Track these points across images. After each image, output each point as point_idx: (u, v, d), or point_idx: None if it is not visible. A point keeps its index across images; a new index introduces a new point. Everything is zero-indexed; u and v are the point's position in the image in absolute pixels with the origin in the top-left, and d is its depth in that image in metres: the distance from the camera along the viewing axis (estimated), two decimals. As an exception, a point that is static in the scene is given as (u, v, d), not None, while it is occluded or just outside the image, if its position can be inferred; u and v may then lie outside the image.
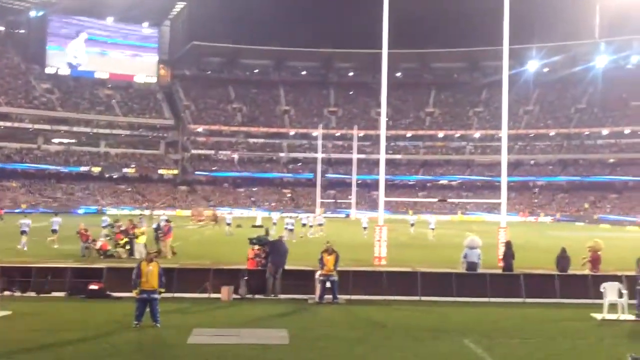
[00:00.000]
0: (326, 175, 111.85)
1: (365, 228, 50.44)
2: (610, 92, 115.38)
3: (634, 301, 18.03)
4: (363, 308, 18.95)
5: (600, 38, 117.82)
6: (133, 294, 16.02)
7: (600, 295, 18.38)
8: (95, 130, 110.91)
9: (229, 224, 51.60)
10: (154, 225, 34.99)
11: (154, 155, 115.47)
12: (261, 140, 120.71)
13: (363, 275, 22.36)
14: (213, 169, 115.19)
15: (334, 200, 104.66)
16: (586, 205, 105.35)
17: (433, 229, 50.89)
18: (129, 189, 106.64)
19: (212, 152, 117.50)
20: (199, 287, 20.46)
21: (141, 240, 29.88)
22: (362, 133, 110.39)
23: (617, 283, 18.58)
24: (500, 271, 23.97)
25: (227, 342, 14.22)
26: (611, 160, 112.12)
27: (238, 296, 20.15)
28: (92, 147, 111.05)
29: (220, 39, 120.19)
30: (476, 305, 19.63)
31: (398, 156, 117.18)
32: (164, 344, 14.27)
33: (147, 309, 15.71)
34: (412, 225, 56.73)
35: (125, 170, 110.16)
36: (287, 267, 21.30)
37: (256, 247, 22.99)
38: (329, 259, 19.75)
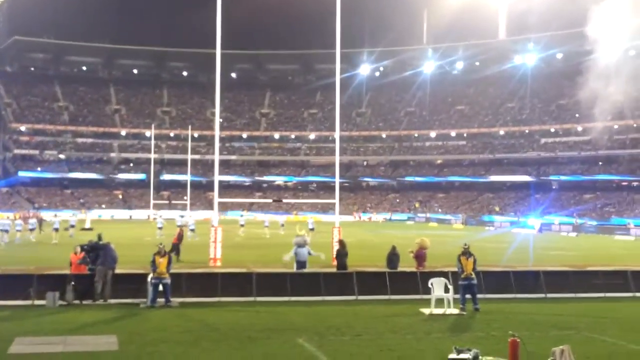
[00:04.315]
0: (160, 176, 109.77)
1: (192, 230, 49.86)
2: (437, 96, 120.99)
3: (459, 295, 18.81)
4: (197, 310, 18.59)
5: (427, 44, 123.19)
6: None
7: (428, 291, 19.03)
8: None
9: (72, 226, 49.31)
10: None
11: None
12: (90, 140, 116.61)
13: (197, 277, 22.05)
14: (38, 169, 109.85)
15: (167, 202, 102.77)
16: (416, 205, 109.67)
17: (243, 225, 55.64)
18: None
19: (37, 152, 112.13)
20: (22, 293, 19.27)
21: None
22: (196, 133, 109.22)
23: (443, 279, 19.32)
24: (334, 270, 24.31)
25: (51, 351, 13.49)
26: (439, 162, 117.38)
27: (64, 302, 19.20)
28: None
29: (45, 34, 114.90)
30: (310, 304, 19.77)
31: (233, 157, 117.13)
32: (-20, 355, 13.27)
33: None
34: (242, 225, 57.72)
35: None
36: (117, 270, 20.55)
37: (80, 251, 21.88)
38: (162, 262, 19.23)
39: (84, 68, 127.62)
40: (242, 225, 58.75)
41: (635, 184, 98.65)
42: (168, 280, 19.32)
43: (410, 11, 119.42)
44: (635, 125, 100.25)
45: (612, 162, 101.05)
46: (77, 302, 19.40)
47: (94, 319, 17.22)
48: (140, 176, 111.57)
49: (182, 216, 62.95)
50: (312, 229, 51.56)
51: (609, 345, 14.51)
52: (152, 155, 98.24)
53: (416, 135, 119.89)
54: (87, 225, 58.24)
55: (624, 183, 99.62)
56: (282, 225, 60.85)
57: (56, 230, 45.46)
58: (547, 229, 74.53)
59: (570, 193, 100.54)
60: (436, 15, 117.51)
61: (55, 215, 53.12)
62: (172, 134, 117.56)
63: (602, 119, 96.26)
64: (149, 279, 19.49)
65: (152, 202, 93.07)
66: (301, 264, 23.23)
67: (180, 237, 33.13)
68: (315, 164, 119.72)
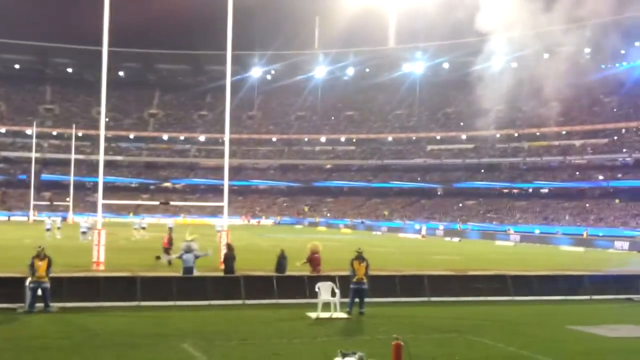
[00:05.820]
0: (41, 176, 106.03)
1: (84, 232, 48.45)
2: (328, 101, 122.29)
3: (345, 299, 18.93)
4: (78, 316, 17.96)
5: (319, 49, 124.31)
6: None
7: (315, 295, 19.08)
8: None
9: None
10: None
11: None
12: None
13: (79, 281, 21.31)
14: None
15: (49, 203, 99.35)
16: (305, 209, 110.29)
17: (144, 228, 55.99)
18: None
19: None
20: None
21: None
22: (81, 133, 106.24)
23: (330, 283, 19.39)
24: (221, 274, 24.08)
25: None
26: (328, 166, 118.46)
27: None
28: None
29: None
30: (196, 309, 19.48)
31: (119, 157, 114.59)
32: None
33: None
34: (144, 228, 57.16)
35: None
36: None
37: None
38: (41, 265, 18.49)
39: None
40: (143, 228, 58.01)
41: (515, 191, 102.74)
42: (47, 285, 18.57)
43: (302, 16, 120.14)
44: (516, 134, 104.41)
45: (494, 170, 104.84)
46: (-52, 307, 18.44)
47: (-34, 325, 16.37)
48: (21, 176, 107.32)
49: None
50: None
51: (489, 347, 14.93)
52: (33, 155, 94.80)
53: (306, 139, 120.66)
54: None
55: (505, 190, 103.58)
56: (170, 228, 59.71)
57: None
58: (432, 234, 76.43)
59: (454, 199, 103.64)
60: (328, 21, 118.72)
61: None
62: (55, 133, 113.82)
63: (485, 128, 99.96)
64: (27, 283, 18.69)
65: (32, 202, 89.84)
66: (187, 270, 22.86)
67: (170, 240, 32.30)
68: (204, 166, 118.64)
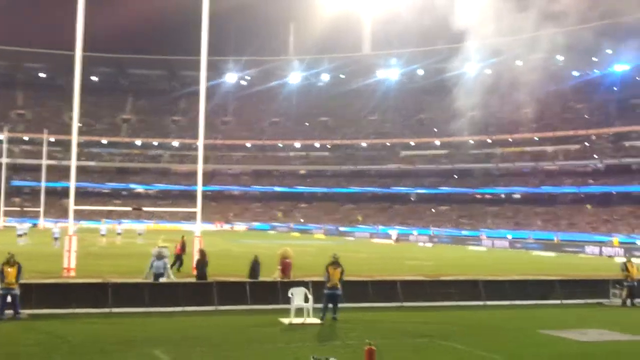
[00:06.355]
0: (12, 181, 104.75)
1: (56, 238, 47.94)
2: (302, 107, 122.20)
3: (319, 305, 18.90)
4: (48, 322, 17.77)
5: (294, 55, 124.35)
6: None
7: (288, 301, 19.03)
8: None
9: None
10: None
11: None
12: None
13: (49, 288, 21.15)
14: None
15: (19, 209, 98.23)
16: (279, 214, 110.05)
17: (120, 234, 56.73)
18: None
19: None
20: None
21: None
22: (53, 138, 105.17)
23: (303, 288, 19.36)
24: (193, 280, 23.96)
25: None
26: (302, 172, 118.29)
27: None
28: None
29: None
30: (168, 315, 19.35)
31: (92, 163, 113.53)
32: None
33: None
34: (104, 235, 56.48)
35: None
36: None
37: None
38: (10, 272, 18.28)
39: None
40: (119, 234, 57.85)
41: (487, 196, 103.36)
42: (17, 291, 18.36)
43: (277, 22, 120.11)
44: (489, 140, 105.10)
45: (466, 176, 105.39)
46: None
47: None
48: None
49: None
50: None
51: (460, 352, 14.98)
52: (4, 160, 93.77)
53: (280, 145, 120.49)
54: None
55: (478, 196, 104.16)
56: (140, 234, 59.73)
57: None
58: (405, 239, 76.65)
59: (428, 204, 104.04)
60: (303, 28, 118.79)
61: None
62: (26, 138, 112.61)
63: (458, 134, 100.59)
64: (-4, 290, 18.48)
65: (2, 208, 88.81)
66: (158, 276, 22.70)
67: (183, 246, 32.18)
68: (177, 171, 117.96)
